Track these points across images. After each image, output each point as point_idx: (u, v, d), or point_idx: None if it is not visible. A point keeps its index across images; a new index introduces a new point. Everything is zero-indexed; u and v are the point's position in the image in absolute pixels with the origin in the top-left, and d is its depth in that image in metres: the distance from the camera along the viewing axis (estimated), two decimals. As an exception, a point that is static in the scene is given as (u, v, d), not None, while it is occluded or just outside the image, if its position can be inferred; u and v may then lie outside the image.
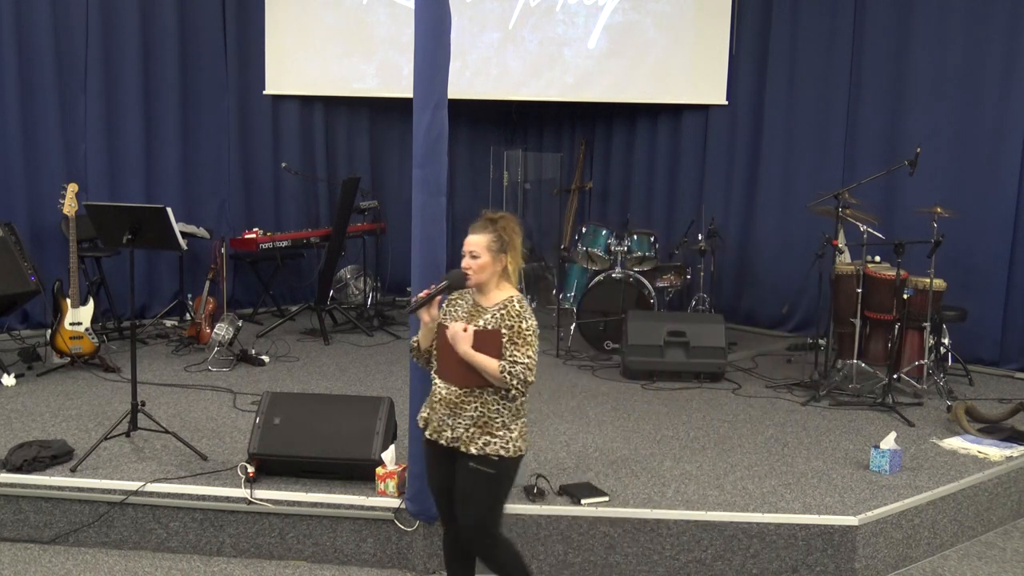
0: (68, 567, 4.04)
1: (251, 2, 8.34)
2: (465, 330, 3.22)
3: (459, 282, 3.33)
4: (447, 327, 3.27)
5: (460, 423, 3.28)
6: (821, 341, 6.64)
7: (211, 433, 5.01)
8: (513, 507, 4.11)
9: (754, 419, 5.61)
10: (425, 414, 3.41)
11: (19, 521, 4.23)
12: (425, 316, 3.34)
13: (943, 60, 7.12)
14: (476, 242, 3.30)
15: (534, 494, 4.20)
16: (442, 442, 3.32)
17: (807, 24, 7.88)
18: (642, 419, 5.54)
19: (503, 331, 3.23)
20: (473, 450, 3.25)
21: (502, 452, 3.25)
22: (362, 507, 4.13)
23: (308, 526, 4.16)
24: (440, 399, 3.32)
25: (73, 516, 4.21)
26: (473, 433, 3.26)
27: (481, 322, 3.27)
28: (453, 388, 3.29)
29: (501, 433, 3.26)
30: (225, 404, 5.60)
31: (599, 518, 4.10)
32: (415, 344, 3.46)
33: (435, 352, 3.38)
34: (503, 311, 3.27)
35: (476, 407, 3.26)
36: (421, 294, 3.34)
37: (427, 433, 3.39)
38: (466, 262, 3.31)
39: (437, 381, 3.36)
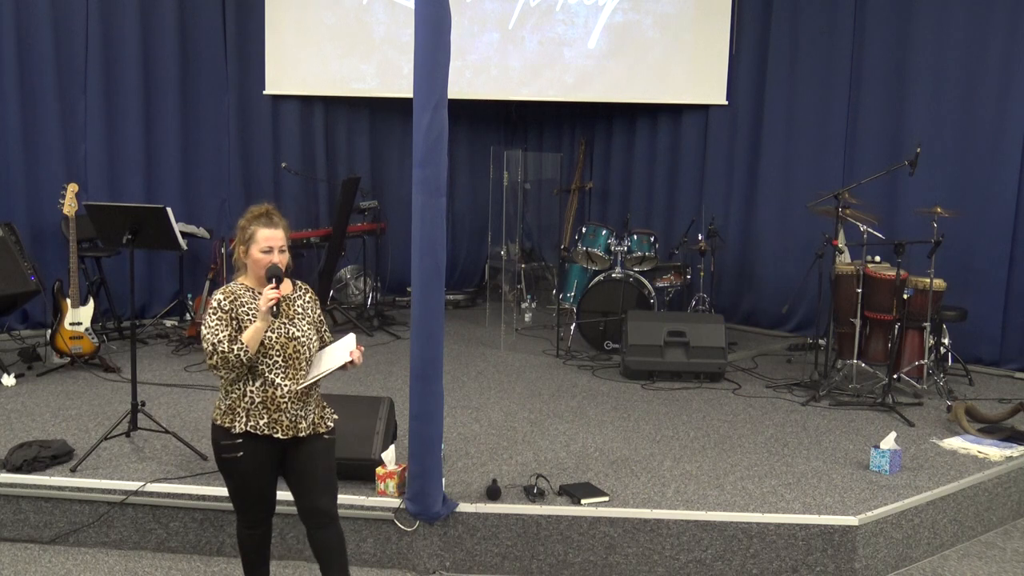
0: (68, 567, 4.04)
1: (251, 2, 8.33)
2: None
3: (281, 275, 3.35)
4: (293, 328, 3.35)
5: (311, 410, 3.40)
6: (821, 341, 6.64)
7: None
8: (513, 507, 4.12)
9: (754, 419, 5.61)
10: (264, 420, 3.30)
11: (19, 521, 4.23)
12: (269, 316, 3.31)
13: (943, 60, 7.12)
14: (283, 237, 3.38)
15: (534, 494, 4.20)
16: (298, 434, 3.35)
17: (807, 24, 7.88)
18: (642, 419, 5.54)
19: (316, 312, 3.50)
20: (323, 429, 3.43)
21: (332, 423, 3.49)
22: (362, 507, 4.13)
23: (308, 526, 4.16)
24: (283, 397, 3.32)
25: (73, 516, 4.21)
26: (324, 413, 3.47)
27: (301, 307, 3.43)
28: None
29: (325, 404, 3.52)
30: (225, 404, 5.60)
31: (599, 518, 4.10)
32: (246, 350, 3.25)
33: (271, 352, 3.31)
34: (307, 293, 3.50)
35: (316, 390, 3.45)
36: (274, 295, 3.25)
37: (279, 434, 3.31)
38: (277, 257, 3.34)
39: (278, 381, 3.31)
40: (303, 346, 3.39)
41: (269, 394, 3.31)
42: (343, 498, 4.13)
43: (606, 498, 4.21)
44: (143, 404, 4.79)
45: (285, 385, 3.33)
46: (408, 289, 7.65)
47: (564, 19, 8.54)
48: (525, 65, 8.60)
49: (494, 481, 4.25)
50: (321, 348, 3.52)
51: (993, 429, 5.34)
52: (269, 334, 3.30)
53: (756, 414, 5.72)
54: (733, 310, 8.35)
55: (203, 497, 4.19)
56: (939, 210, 6.05)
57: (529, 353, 7.22)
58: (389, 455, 4.25)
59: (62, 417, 5.22)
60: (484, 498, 4.20)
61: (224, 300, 3.30)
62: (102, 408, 5.40)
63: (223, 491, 4.16)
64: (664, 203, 8.87)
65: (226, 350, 3.21)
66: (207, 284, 7.15)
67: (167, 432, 4.69)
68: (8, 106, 7.13)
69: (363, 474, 4.25)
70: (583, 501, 4.15)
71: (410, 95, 3.86)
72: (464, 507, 4.11)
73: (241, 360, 3.24)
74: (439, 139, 3.83)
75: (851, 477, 4.60)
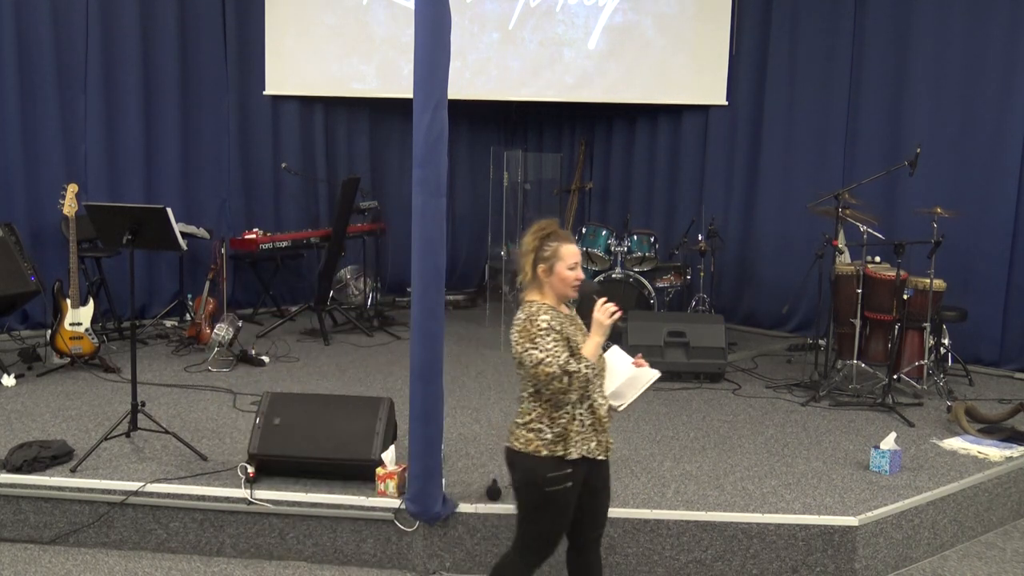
0: (68, 567, 4.04)
1: (251, 2, 8.34)
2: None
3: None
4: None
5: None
6: (821, 341, 6.64)
7: (211, 433, 5.01)
8: (513, 507, 4.10)
9: (754, 419, 5.61)
10: (594, 442, 3.19)
11: (19, 521, 4.23)
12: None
13: (943, 60, 7.12)
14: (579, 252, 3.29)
15: (534, 494, 4.20)
16: (605, 457, 3.25)
17: (807, 24, 7.88)
18: (642, 419, 5.54)
19: None
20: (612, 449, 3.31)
21: None
22: (362, 507, 4.13)
23: (308, 526, 4.16)
24: (605, 417, 3.25)
25: (73, 516, 4.21)
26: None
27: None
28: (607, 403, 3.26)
29: None
30: (225, 404, 5.60)
31: (599, 518, 4.09)
32: (592, 366, 3.13)
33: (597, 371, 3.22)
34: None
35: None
36: (616, 309, 3.18)
37: (602, 456, 3.23)
38: (579, 272, 3.25)
39: (599, 400, 3.23)
40: (603, 359, 3.30)
41: (597, 415, 3.20)
42: (343, 498, 4.15)
43: (606, 498, 4.20)
44: (143, 404, 4.78)
45: (603, 404, 3.24)
46: (408, 289, 7.64)
47: (564, 19, 8.54)
48: (525, 65, 8.60)
49: (494, 481, 4.25)
50: None
51: (993, 429, 5.34)
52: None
53: (756, 414, 5.72)
54: (733, 310, 8.35)
55: (203, 497, 4.19)
56: (939, 210, 6.05)
57: (529, 353, 7.21)
58: (389, 455, 4.25)
59: (62, 417, 5.22)
60: (484, 498, 4.19)
61: (552, 320, 3.12)
62: (102, 408, 5.40)
63: (223, 491, 4.18)
64: (664, 203, 8.87)
65: (575, 369, 3.05)
66: (207, 284, 7.15)
67: (167, 432, 4.69)
68: (8, 106, 7.13)
69: (363, 474, 4.25)
70: (583, 501, 4.14)
71: (410, 95, 3.86)
72: (464, 507, 4.11)
73: (589, 378, 3.09)
74: (439, 139, 3.83)
75: (851, 477, 4.60)
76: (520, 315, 3.19)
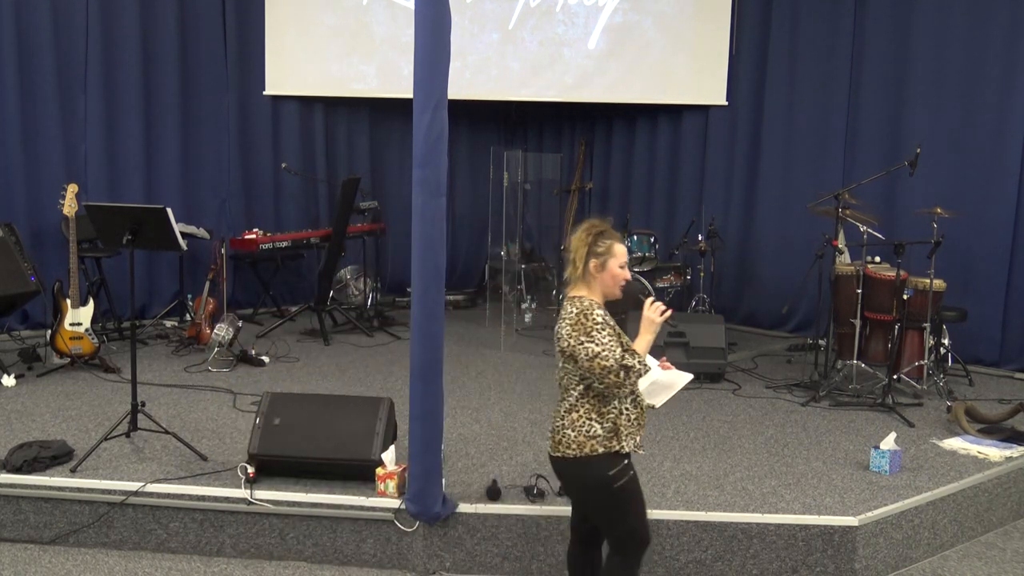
0: (68, 567, 4.03)
1: (251, 2, 8.34)
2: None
3: None
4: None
5: None
6: (821, 341, 6.64)
7: (211, 433, 5.01)
8: (513, 507, 4.12)
9: (754, 420, 5.61)
10: (638, 437, 3.25)
11: (19, 521, 4.23)
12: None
13: (943, 60, 7.12)
14: None
15: (534, 494, 4.20)
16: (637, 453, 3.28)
17: (807, 24, 7.88)
18: (642, 419, 5.54)
19: None
20: None
21: None
22: (362, 507, 4.13)
23: (308, 526, 4.16)
24: (645, 411, 3.28)
25: (73, 516, 4.21)
26: None
27: None
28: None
29: None
30: (225, 404, 5.60)
31: (599, 518, 4.09)
32: (644, 362, 3.18)
33: None
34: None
35: None
36: (665, 307, 3.23)
37: (642, 450, 3.27)
38: (627, 273, 3.28)
39: (640, 396, 3.26)
40: None
41: (640, 409, 3.24)
42: (343, 498, 4.15)
43: (606, 498, 4.20)
44: (143, 404, 4.78)
45: (642, 399, 3.27)
46: (408, 289, 7.64)
47: (564, 19, 8.54)
48: (525, 65, 8.60)
49: (494, 481, 4.25)
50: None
51: (993, 429, 5.34)
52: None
53: (756, 414, 5.72)
54: (733, 310, 8.35)
55: (203, 497, 4.19)
56: (939, 210, 6.05)
57: (529, 353, 7.22)
58: (389, 455, 4.24)
59: (62, 417, 5.22)
60: (484, 498, 4.20)
61: (604, 315, 3.14)
62: (102, 408, 5.40)
63: (223, 491, 4.18)
64: (664, 203, 8.87)
65: (631, 363, 3.09)
66: (207, 284, 7.15)
67: (167, 432, 4.69)
68: (8, 106, 7.13)
69: (363, 474, 4.25)
70: (583, 501, 4.15)
71: (410, 95, 3.86)
72: (464, 507, 4.11)
73: (641, 373, 3.12)
74: (439, 139, 3.83)
75: (851, 477, 4.59)
76: (571, 309, 3.17)
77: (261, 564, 4.14)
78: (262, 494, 4.17)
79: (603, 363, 3.06)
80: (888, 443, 4.68)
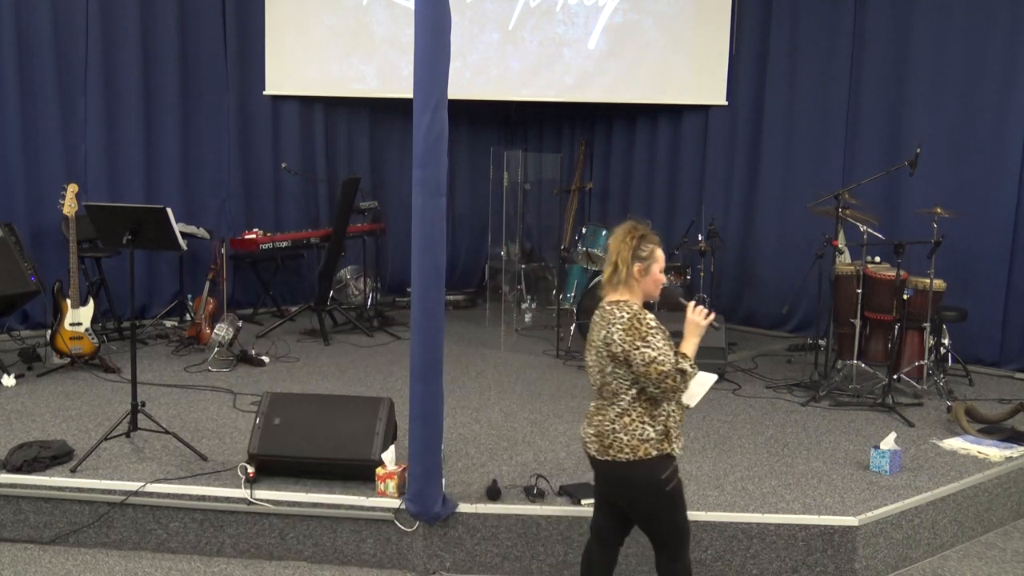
0: (68, 567, 4.03)
1: (251, 2, 8.34)
2: None
3: None
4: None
5: None
6: (821, 341, 6.64)
7: (211, 433, 5.02)
8: (513, 507, 4.12)
9: (754, 420, 5.61)
10: (683, 439, 3.30)
11: (19, 521, 4.23)
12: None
13: (943, 60, 7.12)
14: None
15: (534, 494, 4.20)
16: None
17: (807, 24, 7.88)
18: (642, 419, 5.54)
19: None
20: None
21: None
22: (362, 507, 4.13)
23: (308, 526, 4.16)
24: (684, 413, 3.32)
25: (73, 516, 4.21)
26: None
27: None
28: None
29: None
30: (225, 404, 5.60)
31: (599, 518, 4.09)
32: (695, 368, 3.23)
33: None
34: None
35: None
36: (710, 315, 3.25)
37: (680, 451, 3.29)
38: (664, 277, 3.30)
39: (682, 399, 3.29)
40: None
41: (681, 412, 3.28)
42: (343, 498, 4.15)
43: (606, 498, 4.20)
44: (143, 404, 4.79)
45: (683, 402, 3.30)
46: (408, 289, 7.65)
47: (564, 19, 8.54)
48: (525, 65, 8.60)
49: (494, 481, 4.25)
50: None
51: (993, 429, 5.34)
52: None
53: (756, 414, 5.72)
54: (733, 310, 8.35)
55: (203, 497, 4.19)
56: (939, 210, 6.05)
57: (529, 353, 7.22)
58: (389, 455, 4.25)
59: (62, 417, 5.22)
60: (484, 498, 4.20)
61: (653, 320, 3.16)
62: (102, 408, 5.40)
63: (223, 491, 4.18)
64: (664, 203, 8.87)
65: (686, 367, 3.13)
66: (207, 284, 7.15)
67: (167, 432, 4.69)
68: (8, 106, 7.13)
69: (363, 474, 4.25)
70: (583, 501, 4.15)
71: (410, 95, 3.86)
72: (464, 507, 4.11)
73: (693, 377, 3.18)
74: (439, 139, 3.83)
75: (851, 477, 4.59)
76: (620, 314, 3.16)
77: (261, 564, 4.14)
78: (262, 494, 4.17)
79: (660, 368, 3.09)
80: (888, 443, 4.68)
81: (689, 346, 3.23)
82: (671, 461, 3.21)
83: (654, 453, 3.17)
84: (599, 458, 3.26)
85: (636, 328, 3.11)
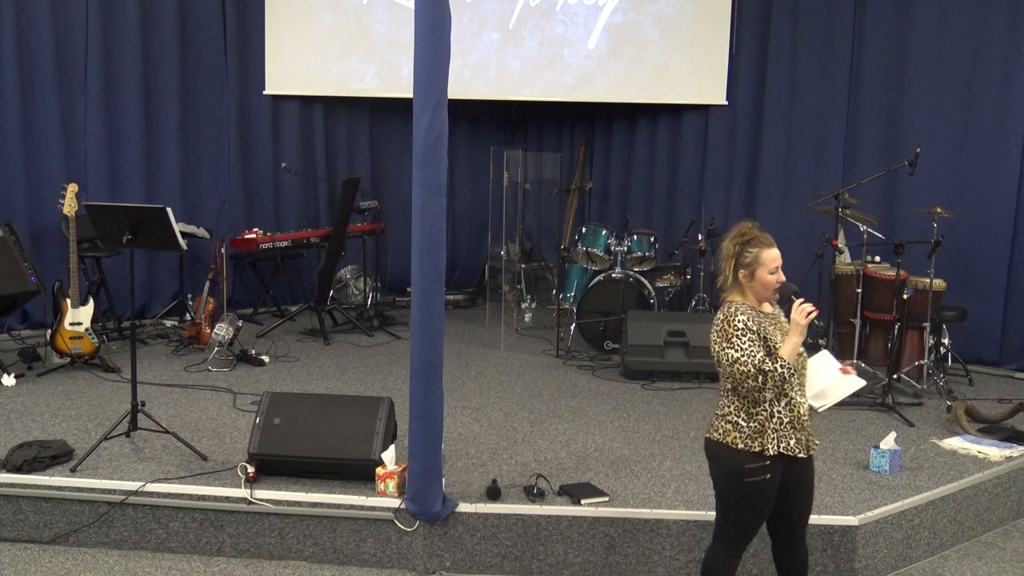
0: (68, 567, 4.04)
1: (251, 2, 8.34)
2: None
3: None
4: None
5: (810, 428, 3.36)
6: (821, 341, 6.64)
7: (211, 433, 5.02)
8: (513, 507, 4.12)
9: (754, 419, 5.60)
10: (792, 440, 3.26)
11: (19, 521, 4.23)
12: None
13: (943, 60, 7.12)
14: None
15: (534, 494, 4.20)
16: (809, 452, 3.32)
17: (807, 24, 7.88)
18: (642, 419, 5.54)
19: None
20: (816, 447, 3.37)
21: None
22: (362, 507, 4.13)
23: (308, 526, 4.16)
24: (804, 415, 3.31)
25: (73, 516, 4.21)
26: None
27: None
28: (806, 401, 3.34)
29: None
30: (225, 404, 5.60)
31: (599, 518, 4.10)
32: (789, 367, 3.19)
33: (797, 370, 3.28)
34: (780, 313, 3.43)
35: None
36: (813, 309, 3.23)
37: (802, 454, 3.28)
38: (781, 275, 3.30)
39: (798, 399, 3.29)
40: (804, 359, 3.36)
41: (795, 413, 3.26)
42: (343, 498, 4.15)
43: (606, 498, 4.21)
44: (143, 404, 4.79)
45: (803, 402, 3.30)
46: (408, 289, 7.65)
47: (564, 19, 8.54)
48: (525, 65, 8.60)
49: (494, 481, 4.25)
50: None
51: (993, 429, 5.34)
52: None
53: (756, 414, 5.71)
54: (733, 310, 8.33)
55: (203, 497, 4.19)
56: (939, 210, 6.05)
57: (529, 353, 7.23)
58: (389, 455, 4.25)
59: (62, 417, 5.22)
60: (484, 498, 4.20)
61: (749, 320, 3.20)
62: (102, 408, 5.40)
63: (223, 491, 4.18)
64: (664, 203, 8.87)
65: (771, 368, 3.14)
66: (207, 284, 7.15)
67: (167, 432, 4.69)
68: (8, 106, 7.13)
69: (363, 474, 4.25)
70: (583, 501, 4.15)
71: (410, 95, 3.86)
72: (464, 507, 4.11)
73: (784, 377, 3.16)
74: (439, 139, 3.83)
75: (851, 477, 4.60)
76: (719, 315, 3.28)
77: (261, 564, 4.14)
78: (262, 494, 4.17)
79: (741, 368, 3.17)
80: (888, 443, 4.68)
81: (787, 346, 3.22)
82: (761, 459, 3.22)
83: (740, 445, 3.23)
84: (705, 435, 3.38)
85: (725, 330, 3.23)
